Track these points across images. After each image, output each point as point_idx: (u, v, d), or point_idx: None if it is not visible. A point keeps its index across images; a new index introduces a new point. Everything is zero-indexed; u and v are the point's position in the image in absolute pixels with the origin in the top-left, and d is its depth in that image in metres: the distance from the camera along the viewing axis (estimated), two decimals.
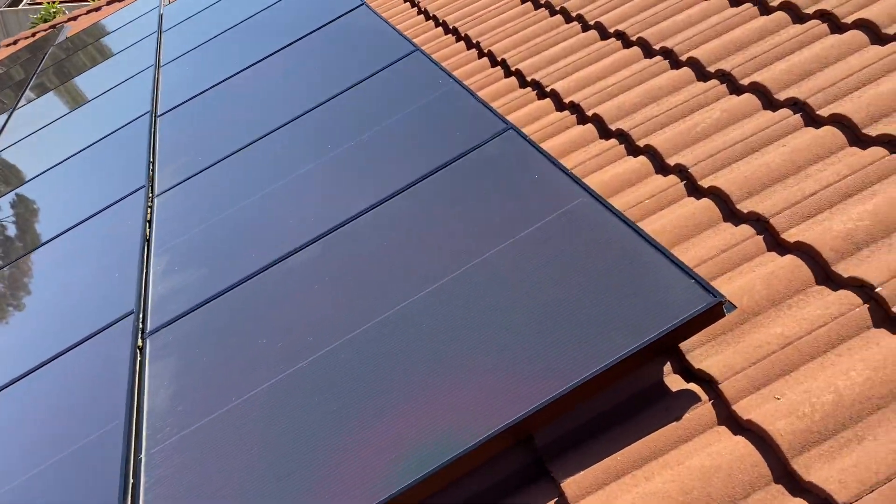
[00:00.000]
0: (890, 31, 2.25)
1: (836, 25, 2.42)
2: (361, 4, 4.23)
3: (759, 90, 2.31)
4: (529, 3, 3.64)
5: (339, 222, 2.41)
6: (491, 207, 2.14)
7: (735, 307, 1.57)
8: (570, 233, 1.90)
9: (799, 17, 2.55)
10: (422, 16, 4.21)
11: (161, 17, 6.64)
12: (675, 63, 2.67)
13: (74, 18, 9.87)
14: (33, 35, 9.94)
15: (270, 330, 2.12)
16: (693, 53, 2.59)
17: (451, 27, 3.82)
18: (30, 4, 18.53)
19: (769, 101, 2.28)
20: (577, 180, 2.06)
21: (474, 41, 3.55)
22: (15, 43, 10.14)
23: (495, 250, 1.96)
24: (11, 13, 18.78)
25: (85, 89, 5.61)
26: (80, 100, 5.38)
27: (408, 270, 2.06)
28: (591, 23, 3.16)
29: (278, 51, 4.16)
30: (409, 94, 3.00)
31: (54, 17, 14.32)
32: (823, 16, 2.47)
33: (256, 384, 1.95)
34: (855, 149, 1.98)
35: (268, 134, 3.27)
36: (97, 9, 9.83)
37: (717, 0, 2.84)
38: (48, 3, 14.56)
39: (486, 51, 3.42)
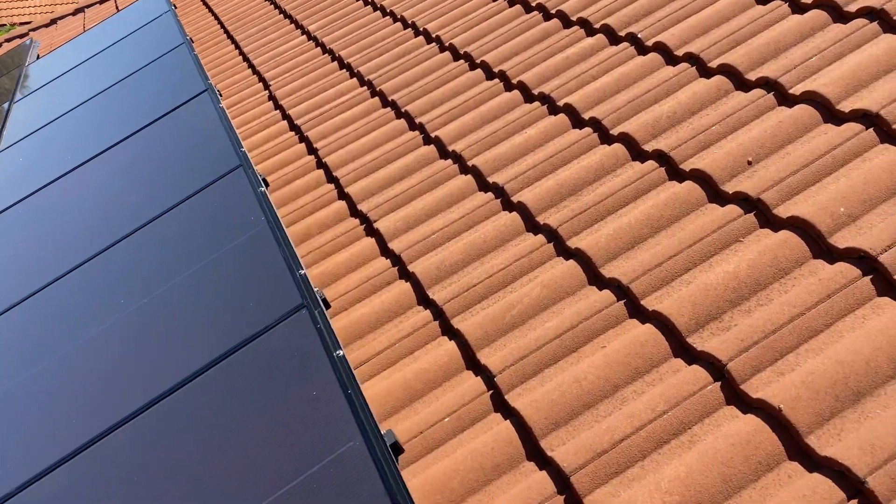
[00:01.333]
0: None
1: (675, 172, 2.09)
2: (204, 91, 3.80)
3: (583, 260, 1.97)
4: (377, 99, 3.26)
5: (93, 436, 1.99)
6: (259, 441, 1.75)
7: None
8: (331, 495, 1.53)
9: (639, 153, 2.22)
10: (270, 102, 3.79)
11: (22, 77, 6.08)
12: (508, 205, 2.32)
13: None
14: None
15: None
16: (521, 197, 2.24)
17: (294, 123, 3.41)
18: None
19: (594, 276, 1.94)
20: (357, 414, 1.68)
21: (314, 145, 3.15)
22: None
23: None
24: None
25: None
26: None
27: None
28: (433, 135, 2.79)
29: (108, 149, 3.70)
30: (216, 233, 2.60)
31: None
32: (661, 156, 2.14)
33: None
34: (679, 362, 1.65)
35: (63, 276, 2.82)
36: None
37: (574, 134, 2.50)
38: None
39: (323, 161, 3.03)
